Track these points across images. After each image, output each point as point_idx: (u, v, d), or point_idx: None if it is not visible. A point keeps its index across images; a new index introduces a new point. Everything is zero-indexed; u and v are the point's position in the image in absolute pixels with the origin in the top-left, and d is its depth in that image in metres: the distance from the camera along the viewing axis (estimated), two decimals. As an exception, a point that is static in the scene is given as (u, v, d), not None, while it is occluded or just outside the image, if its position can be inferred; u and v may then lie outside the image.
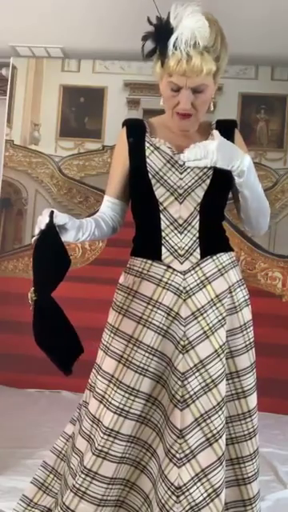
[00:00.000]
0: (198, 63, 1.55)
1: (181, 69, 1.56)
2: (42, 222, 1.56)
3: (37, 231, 1.56)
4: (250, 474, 1.77)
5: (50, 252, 1.56)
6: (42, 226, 1.55)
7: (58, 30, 3.81)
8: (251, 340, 1.77)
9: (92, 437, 1.71)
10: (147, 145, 1.72)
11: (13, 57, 4.28)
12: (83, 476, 1.68)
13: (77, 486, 1.69)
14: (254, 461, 1.78)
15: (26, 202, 4.25)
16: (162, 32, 1.57)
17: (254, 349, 1.78)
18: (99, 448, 1.67)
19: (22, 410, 3.49)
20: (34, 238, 1.57)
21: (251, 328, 1.78)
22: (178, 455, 1.62)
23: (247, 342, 1.75)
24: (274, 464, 2.88)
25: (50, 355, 1.56)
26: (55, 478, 1.85)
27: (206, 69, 1.57)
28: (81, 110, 4.25)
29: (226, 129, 1.76)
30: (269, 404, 3.42)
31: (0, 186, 4.26)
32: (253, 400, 1.76)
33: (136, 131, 1.76)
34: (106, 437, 1.67)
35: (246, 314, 1.77)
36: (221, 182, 1.70)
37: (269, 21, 3.45)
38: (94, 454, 1.67)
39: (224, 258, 1.75)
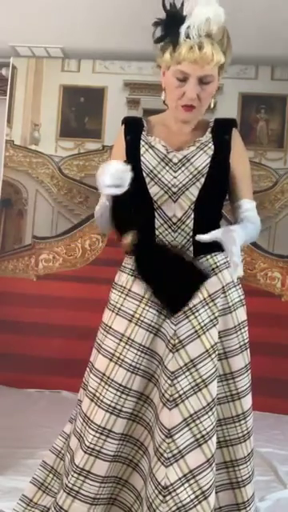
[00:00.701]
0: (210, 52, 1.57)
1: (193, 56, 1.57)
2: (125, 177, 1.56)
3: (112, 182, 1.56)
4: (244, 477, 1.76)
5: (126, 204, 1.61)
6: (126, 183, 1.56)
7: (57, 30, 3.80)
8: (246, 341, 1.76)
9: (82, 435, 1.71)
10: (142, 143, 1.73)
11: (13, 57, 4.27)
12: (76, 475, 1.68)
13: (70, 485, 1.68)
14: (248, 463, 1.76)
15: (26, 202, 4.25)
16: (173, 19, 1.58)
17: (248, 349, 1.76)
18: (91, 446, 1.67)
19: (22, 410, 3.49)
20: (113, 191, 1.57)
21: (246, 328, 1.77)
22: (165, 454, 1.62)
23: (242, 343, 1.74)
24: (274, 464, 2.86)
25: (159, 291, 1.59)
26: (54, 478, 1.85)
27: (216, 58, 1.59)
28: (81, 110, 4.25)
29: (224, 128, 1.75)
30: (269, 404, 3.43)
31: (0, 186, 4.25)
32: (247, 401, 1.75)
33: (134, 129, 1.76)
34: (98, 435, 1.66)
35: (241, 315, 1.76)
36: (216, 181, 1.70)
37: (269, 21, 3.44)
38: (86, 452, 1.67)
39: (219, 257, 1.74)
